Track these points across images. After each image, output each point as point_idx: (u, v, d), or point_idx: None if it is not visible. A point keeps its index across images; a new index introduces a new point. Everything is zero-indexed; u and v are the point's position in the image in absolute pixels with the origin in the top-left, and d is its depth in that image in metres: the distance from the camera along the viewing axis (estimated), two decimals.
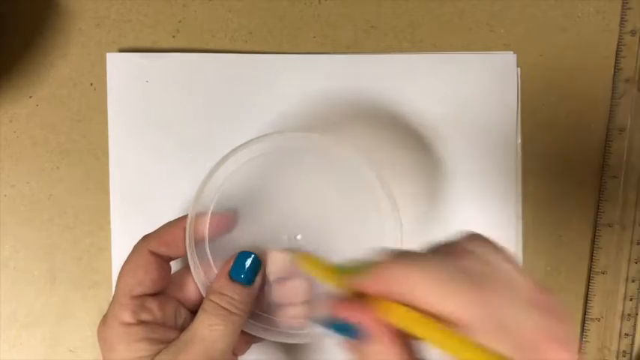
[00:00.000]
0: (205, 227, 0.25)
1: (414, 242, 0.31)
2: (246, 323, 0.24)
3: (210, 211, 0.26)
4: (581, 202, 0.32)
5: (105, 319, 0.23)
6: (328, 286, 0.20)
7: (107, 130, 0.31)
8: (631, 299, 0.32)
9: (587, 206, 0.32)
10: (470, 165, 0.32)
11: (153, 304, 0.23)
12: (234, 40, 0.32)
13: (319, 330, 0.19)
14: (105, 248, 0.31)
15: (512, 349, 0.15)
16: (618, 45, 0.32)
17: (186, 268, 0.25)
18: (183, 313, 0.25)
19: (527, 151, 0.32)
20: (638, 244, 0.32)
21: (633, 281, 0.32)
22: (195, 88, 0.31)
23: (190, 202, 0.25)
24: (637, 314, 0.32)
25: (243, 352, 0.27)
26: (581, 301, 0.32)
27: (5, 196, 0.31)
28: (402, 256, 0.18)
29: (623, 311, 0.32)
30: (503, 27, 0.32)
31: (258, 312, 0.26)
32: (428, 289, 0.16)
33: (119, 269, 0.24)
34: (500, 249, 0.18)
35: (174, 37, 0.32)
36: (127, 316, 0.23)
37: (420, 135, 0.32)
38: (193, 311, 0.25)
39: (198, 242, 0.25)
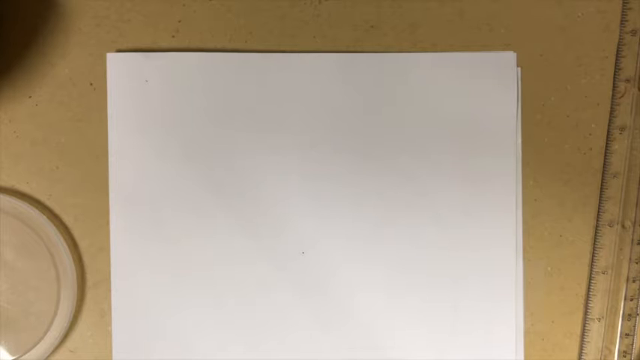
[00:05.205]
0: None
1: (412, 241, 0.31)
2: None
3: None
4: (581, 202, 0.32)
5: None
6: None
7: (107, 130, 0.31)
8: (632, 299, 0.32)
9: (587, 206, 0.32)
10: (469, 165, 0.31)
11: None
12: (234, 40, 0.32)
13: None
14: (104, 248, 0.31)
15: None
16: (618, 45, 0.32)
17: None
18: None
19: (527, 151, 0.32)
20: (639, 243, 0.32)
21: (634, 281, 0.32)
22: (195, 87, 0.31)
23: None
24: (638, 314, 0.32)
25: None
26: (581, 301, 0.32)
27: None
28: None
29: (623, 311, 0.32)
30: (503, 27, 0.32)
31: None
32: None
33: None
34: None
35: (174, 36, 0.32)
36: None
37: (419, 134, 0.31)
38: None
39: None
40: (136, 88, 0.31)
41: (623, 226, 0.32)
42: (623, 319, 0.32)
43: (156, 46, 0.32)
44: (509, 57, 0.32)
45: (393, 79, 0.31)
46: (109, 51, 0.31)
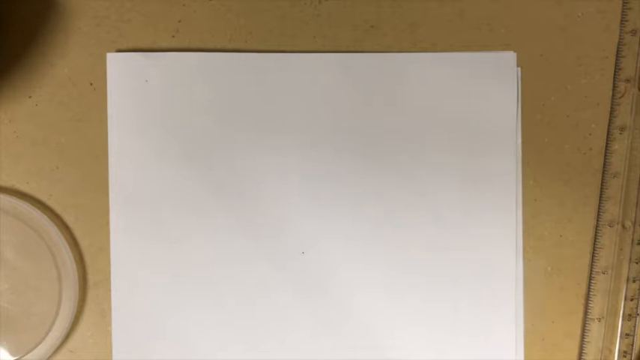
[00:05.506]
0: None
1: (412, 241, 0.31)
2: None
3: None
4: (581, 202, 0.32)
5: None
6: None
7: (107, 130, 0.31)
8: (632, 299, 0.32)
9: (587, 206, 0.32)
10: (469, 165, 0.31)
11: None
12: (234, 40, 0.32)
13: None
14: (104, 248, 0.31)
15: None
16: (618, 45, 0.32)
17: None
18: None
19: (527, 151, 0.32)
20: (639, 243, 0.32)
21: (634, 281, 0.32)
22: (195, 87, 0.31)
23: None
24: (638, 314, 0.32)
25: None
26: (581, 301, 0.32)
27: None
28: None
29: (624, 311, 0.32)
30: (503, 27, 0.32)
31: None
32: None
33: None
34: None
35: (173, 36, 0.32)
36: None
37: (419, 134, 0.31)
38: None
39: None
40: (136, 88, 0.31)
41: (623, 226, 0.32)
42: (623, 319, 0.32)
43: (156, 46, 0.32)
44: (509, 57, 0.32)
45: (393, 79, 0.31)
46: (109, 51, 0.31)
